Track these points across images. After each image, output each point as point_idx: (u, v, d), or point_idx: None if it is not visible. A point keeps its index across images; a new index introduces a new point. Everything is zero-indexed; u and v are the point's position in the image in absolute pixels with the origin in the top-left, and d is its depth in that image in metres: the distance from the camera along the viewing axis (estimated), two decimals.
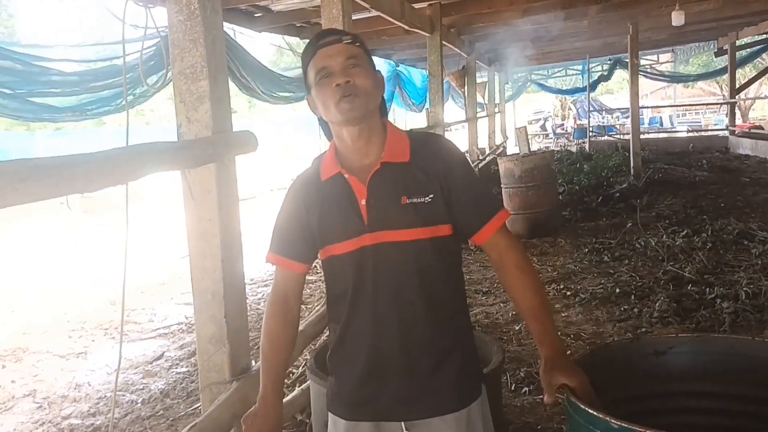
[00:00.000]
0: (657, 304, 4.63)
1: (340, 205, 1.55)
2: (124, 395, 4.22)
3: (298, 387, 3.48)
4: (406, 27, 6.59)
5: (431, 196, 1.52)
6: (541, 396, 3.41)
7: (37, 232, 10.85)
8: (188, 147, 2.12)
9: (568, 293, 5.19)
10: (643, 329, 4.30)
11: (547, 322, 1.57)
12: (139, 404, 4.07)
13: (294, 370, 4.02)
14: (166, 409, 3.95)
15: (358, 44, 1.54)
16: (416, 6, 6.92)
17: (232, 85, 6.18)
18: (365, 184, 1.53)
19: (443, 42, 8.05)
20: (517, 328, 4.49)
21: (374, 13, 5.56)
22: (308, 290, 5.59)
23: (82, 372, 4.71)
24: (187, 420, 3.60)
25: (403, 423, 1.57)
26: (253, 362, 3.34)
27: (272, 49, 8.79)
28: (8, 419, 4.02)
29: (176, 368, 4.64)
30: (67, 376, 4.64)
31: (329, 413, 1.69)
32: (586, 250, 6.48)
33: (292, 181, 1.68)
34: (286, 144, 19.74)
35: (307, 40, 1.64)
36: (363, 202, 1.53)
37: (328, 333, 1.85)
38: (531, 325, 1.58)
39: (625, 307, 4.75)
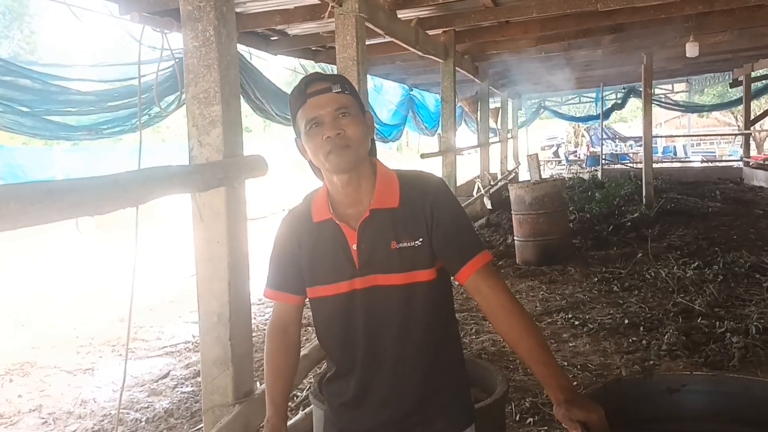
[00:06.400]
0: (666, 337, 4.59)
1: (332, 249, 1.58)
2: (128, 413, 4.23)
3: (302, 411, 3.47)
4: (420, 53, 6.65)
5: (420, 240, 1.54)
6: (546, 427, 3.40)
7: (50, 247, 10.92)
8: (198, 171, 2.15)
9: (576, 323, 5.15)
10: (651, 362, 4.26)
11: (549, 362, 1.50)
12: (143, 423, 4.07)
13: (298, 393, 4.01)
14: (170, 429, 3.94)
15: (347, 92, 1.54)
16: (430, 33, 6.98)
17: (246, 106, 6.26)
18: (356, 230, 1.55)
19: (457, 68, 8.11)
20: None
21: (389, 38, 5.61)
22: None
23: (88, 388, 4.72)
24: None
25: None
26: (258, 384, 3.34)
27: (288, 71, 8.88)
28: None
29: (181, 387, 4.64)
30: (74, 392, 4.65)
31: None
32: (596, 279, 6.45)
33: (284, 217, 1.70)
34: (297, 163, 19.80)
35: (323, 64, 1.67)
36: (354, 247, 1.55)
37: None
38: (533, 367, 1.52)
39: (634, 338, 4.71)
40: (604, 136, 21.16)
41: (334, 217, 1.57)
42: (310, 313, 1.69)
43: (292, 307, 1.69)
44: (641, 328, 4.89)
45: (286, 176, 17.45)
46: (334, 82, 1.54)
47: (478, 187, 11.44)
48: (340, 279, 1.56)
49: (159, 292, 7.44)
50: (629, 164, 19.28)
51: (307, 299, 1.68)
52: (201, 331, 2.47)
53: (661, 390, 1.80)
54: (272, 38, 6.85)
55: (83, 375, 5.02)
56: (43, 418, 4.22)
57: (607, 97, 17.94)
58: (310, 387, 3.42)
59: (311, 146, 1.52)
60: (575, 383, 3.98)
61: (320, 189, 1.64)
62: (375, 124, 1.59)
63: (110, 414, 4.20)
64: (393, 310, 1.55)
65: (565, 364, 4.31)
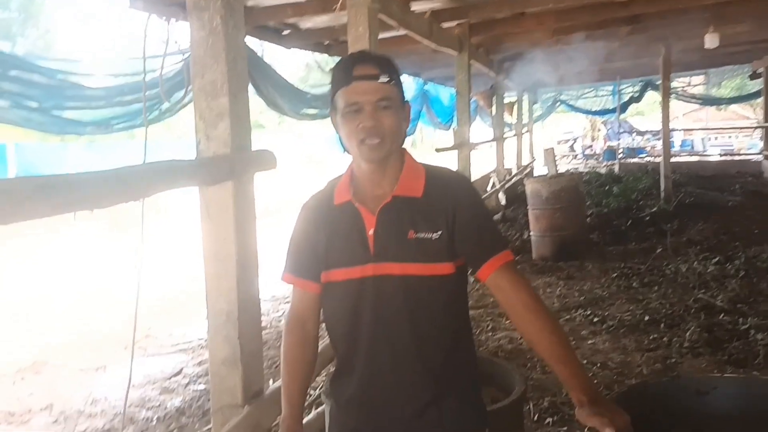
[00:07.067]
0: (687, 334, 4.48)
1: (349, 233, 1.55)
2: (140, 411, 4.19)
3: (314, 410, 3.40)
4: (435, 46, 6.54)
5: (439, 232, 1.50)
6: (565, 428, 3.31)
7: (62, 245, 10.94)
8: (203, 165, 2.08)
9: (595, 320, 5.04)
10: (673, 359, 4.15)
11: (572, 362, 1.43)
12: (155, 422, 4.03)
13: (312, 392, 3.94)
14: (181, 428, 3.90)
15: (393, 83, 1.50)
16: (445, 25, 6.86)
17: (260, 101, 6.19)
18: (374, 215, 1.53)
19: (472, 61, 7.98)
20: None
21: (402, 31, 5.51)
22: None
23: (99, 387, 4.69)
24: None
25: None
26: (272, 381, 3.27)
27: (302, 65, 8.80)
28: None
29: (193, 385, 4.59)
30: (85, 391, 4.62)
31: None
32: (614, 274, 6.34)
33: (305, 202, 1.68)
34: (314, 158, 19.78)
35: (337, 58, 1.62)
36: (371, 232, 1.53)
37: None
38: (554, 367, 1.45)
39: (654, 335, 4.60)
40: (621, 130, 20.89)
41: (354, 200, 1.55)
42: None
43: (310, 297, 1.64)
44: (662, 325, 4.77)
45: (299, 171, 17.39)
46: (382, 69, 1.50)
47: (494, 183, 11.32)
48: (353, 263, 1.53)
49: (172, 289, 7.40)
50: (647, 158, 19.04)
51: None
52: (209, 330, 2.40)
53: (690, 393, 1.71)
54: (284, 32, 6.76)
55: (95, 373, 4.99)
56: (54, 417, 4.19)
57: (623, 91, 17.71)
58: (322, 386, 3.36)
59: (345, 129, 1.51)
60: (595, 382, 3.88)
61: (344, 174, 1.63)
62: None
63: (121, 413, 4.15)
64: (403, 302, 1.51)
65: (585, 362, 4.21)
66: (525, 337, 1.53)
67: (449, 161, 7.79)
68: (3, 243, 10.61)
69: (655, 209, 9.00)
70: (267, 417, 2.43)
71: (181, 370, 4.90)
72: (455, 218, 1.51)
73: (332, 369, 3.21)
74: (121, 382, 4.68)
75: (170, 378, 4.76)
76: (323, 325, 1.67)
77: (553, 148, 8.41)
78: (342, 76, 1.50)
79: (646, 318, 4.92)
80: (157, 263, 8.79)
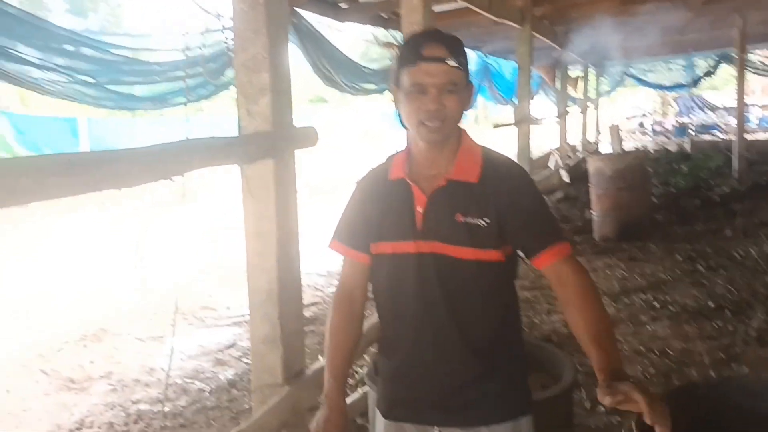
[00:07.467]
0: (754, 322, 4.25)
1: (400, 208, 1.57)
2: (193, 383, 4.26)
3: (360, 389, 3.38)
4: (495, 18, 6.34)
5: (489, 220, 1.49)
6: (619, 418, 3.18)
7: (130, 215, 11.26)
8: (242, 142, 2.04)
9: (656, 304, 4.85)
10: (737, 349, 3.94)
11: (611, 349, 1.37)
12: (207, 393, 4.10)
13: (359, 370, 3.93)
14: (231, 401, 3.95)
15: (461, 67, 1.48)
16: None
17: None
18: (426, 195, 1.53)
19: (534, 33, 7.72)
20: None
21: (461, 4, 5.35)
22: None
23: (157, 356, 4.80)
24: (249, 415, 3.58)
25: (438, 429, 1.57)
26: (321, 357, 3.26)
27: (361, 40, 8.70)
28: (83, 400, 4.14)
29: (246, 358, 4.64)
30: (143, 360, 4.73)
31: (376, 408, 1.71)
32: (679, 257, 6.08)
33: (364, 175, 1.70)
34: (369, 133, 19.73)
35: (395, 32, 1.61)
36: (420, 209, 1.54)
37: None
38: (591, 350, 1.37)
39: (719, 323, 4.38)
40: (694, 106, 20.02)
41: (407, 177, 1.57)
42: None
43: (359, 268, 1.66)
44: (727, 312, 4.55)
45: (355, 147, 17.37)
46: (451, 51, 1.47)
47: (555, 160, 11.03)
48: (400, 238, 1.56)
49: (234, 262, 7.52)
50: (720, 135, 18.22)
51: None
52: (250, 308, 2.39)
53: (744, 394, 1.58)
54: (342, 5, 6.68)
55: (153, 343, 5.11)
56: (111, 385, 4.31)
57: (697, 64, 16.92)
58: (365, 367, 3.33)
59: (407, 108, 1.50)
60: (653, 371, 3.73)
61: (403, 150, 1.65)
62: None
63: (175, 383, 4.24)
64: (444, 281, 1.51)
65: (642, 349, 4.05)
66: (570, 319, 1.46)
67: (509, 137, 7.62)
68: (74, 209, 11.02)
69: (725, 189, 8.59)
70: (306, 398, 2.41)
71: (235, 343, 4.97)
72: (509, 209, 1.49)
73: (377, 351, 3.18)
74: (177, 353, 4.79)
75: (224, 350, 4.83)
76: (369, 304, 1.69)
77: (618, 125, 8.08)
78: (410, 54, 1.48)
79: (711, 304, 4.70)
80: (221, 234, 8.97)
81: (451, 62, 1.45)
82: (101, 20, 24.49)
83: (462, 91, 1.50)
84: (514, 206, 1.49)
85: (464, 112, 1.54)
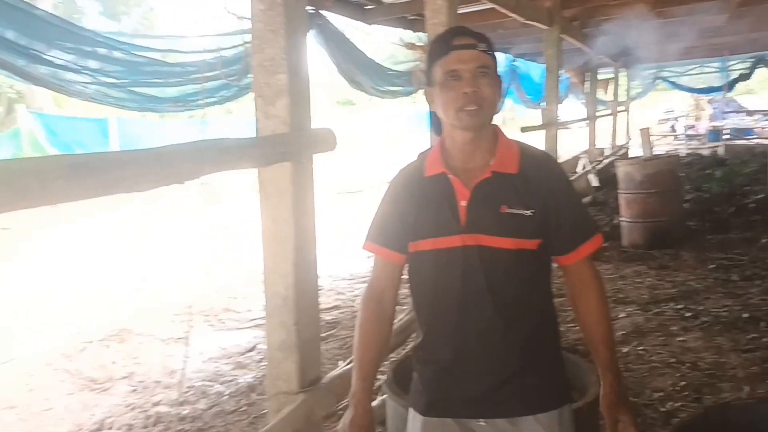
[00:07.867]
0: None
1: (439, 203, 1.57)
2: (212, 386, 4.24)
3: (379, 397, 3.32)
4: (522, 20, 6.23)
5: (532, 211, 1.53)
6: None
7: (155, 216, 11.35)
8: (257, 145, 1.99)
9: (688, 315, 4.70)
10: None
11: (614, 350, 1.63)
12: (226, 396, 4.07)
13: (380, 376, 3.86)
14: (250, 405, 3.91)
15: (490, 53, 1.55)
16: None
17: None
18: (470, 188, 1.55)
19: (563, 35, 7.59)
20: (625, 350, 4.10)
21: (486, 5, 5.27)
22: (404, 290, 5.40)
23: (178, 358, 4.79)
24: (266, 421, 3.54)
25: (483, 421, 1.59)
26: (341, 362, 3.21)
27: (388, 43, 8.66)
28: (105, 400, 4.14)
29: (266, 362, 4.61)
30: (164, 361, 4.73)
31: (410, 409, 1.70)
32: (712, 266, 5.91)
33: (396, 174, 1.70)
34: (390, 136, 19.65)
35: (421, 34, 1.66)
36: (463, 203, 1.55)
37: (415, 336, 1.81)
38: (599, 350, 1.61)
39: (754, 335, 4.23)
40: (728, 110, 19.61)
41: (448, 172, 1.58)
42: (403, 288, 1.71)
43: (392, 268, 1.68)
44: (762, 324, 4.39)
45: (379, 150, 17.31)
46: (480, 40, 1.54)
47: (584, 164, 10.86)
48: (442, 234, 1.56)
49: (254, 264, 7.51)
50: (755, 140, 17.80)
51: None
52: (266, 313, 2.36)
53: None
54: (367, 7, 6.64)
55: (175, 344, 5.11)
56: (133, 386, 4.30)
57: (732, 67, 16.56)
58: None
59: (444, 98, 1.53)
60: (683, 383, 3.61)
61: (433, 147, 1.66)
62: None
63: (194, 386, 4.22)
64: (490, 274, 1.53)
65: (673, 360, 3.92)
66: (582, 318, 1.65)
67: (536, 141, 7.50)
68: (108, 208, 11.14)
69: (761, 196, 8.35)
70: (322, 406, 2.36)
71: (255, 346, 4.94)
72: (549, 200, 1.55)
73: (395, 359, 3.12)
74: (198, 355, 4.78)
75: (245, 353, 4.81)
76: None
77: (648, 128, 7.91)
78: (440, 47, 1.54)
79: (745, 315, 4.54)
80: (245, 237, 8.99)
81: (482, 47, 1.52)
82: (134, 23, 24.81)
83: (495, 78, 1.54)
84: (554, 199, 1.55)
85: (498, 103, 1.56)
